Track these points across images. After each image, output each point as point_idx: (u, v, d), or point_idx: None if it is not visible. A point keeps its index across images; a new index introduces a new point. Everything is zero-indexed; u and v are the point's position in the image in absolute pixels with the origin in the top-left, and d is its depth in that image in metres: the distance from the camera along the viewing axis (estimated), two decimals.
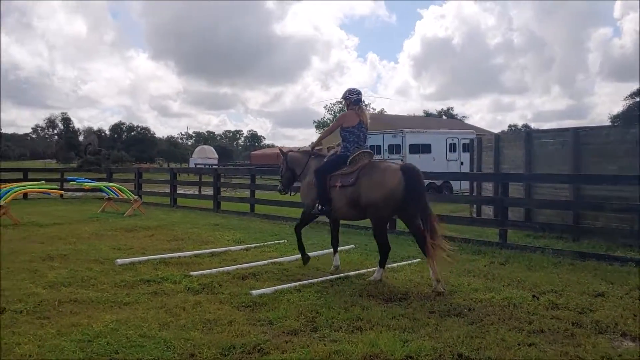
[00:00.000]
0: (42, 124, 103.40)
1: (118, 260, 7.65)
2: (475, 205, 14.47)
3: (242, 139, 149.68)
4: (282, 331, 4.86)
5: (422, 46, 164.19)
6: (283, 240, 9.75)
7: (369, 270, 7.27)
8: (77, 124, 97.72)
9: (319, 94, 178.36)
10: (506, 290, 6.27)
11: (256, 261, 7.84)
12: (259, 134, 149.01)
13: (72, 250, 8.50)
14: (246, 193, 19.96)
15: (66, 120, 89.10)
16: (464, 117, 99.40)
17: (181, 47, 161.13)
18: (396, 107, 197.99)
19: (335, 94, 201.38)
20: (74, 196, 19.80)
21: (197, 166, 42.75)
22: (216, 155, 58.52)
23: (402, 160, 20.16)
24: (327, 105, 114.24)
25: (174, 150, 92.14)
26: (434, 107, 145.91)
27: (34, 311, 5.31)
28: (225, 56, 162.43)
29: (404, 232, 10.67)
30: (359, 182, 6.74)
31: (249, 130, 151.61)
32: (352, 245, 9.18)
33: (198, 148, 61.64)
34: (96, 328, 4.74)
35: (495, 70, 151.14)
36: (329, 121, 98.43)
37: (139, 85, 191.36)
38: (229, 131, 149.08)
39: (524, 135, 11.54)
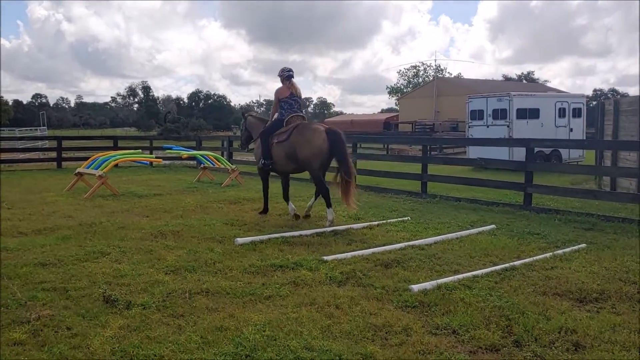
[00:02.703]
0: (122, 92, 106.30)
1: (238, 239, 6.81)
2: (606, 178, 12.80)
3: (312, 106, 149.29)
4: (477, 346, 3.77)
5: (499, 8, 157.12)
6: (406, 217, 8.65)
7: (534, 258, 6.05)
8: (155, 93, 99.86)
9: (389, 60, 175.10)
10: None
11: (390, 244, 6.78)
12: (328, 101, 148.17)
13: (183, 226, 7.76)
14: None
15: (146, 89, 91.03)
16: (545, 81, 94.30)
17: (252, 15, 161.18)
18: (470, 71, 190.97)
19: (408, 59, 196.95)
20: (163, 164, 19.44)
21: None
22: None
23: (508, 126, 18.49)
24: (400, 70, 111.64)
25: None
26: (510, 71, 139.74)
27: (164, 306, 4.48)
28: (294, 23, 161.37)
29: (543, 208, 9.36)
30: (291, 139, 8.03)
31: (318, 98, 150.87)
32: (493, 226, 7.94)
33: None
34: (247, 334, 3.82)
35: (576, 32, 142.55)
36: (402, 87, 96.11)
37: (211, 54, 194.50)
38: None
39: None
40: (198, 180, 14.15)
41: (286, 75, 8.68)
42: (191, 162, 19.18)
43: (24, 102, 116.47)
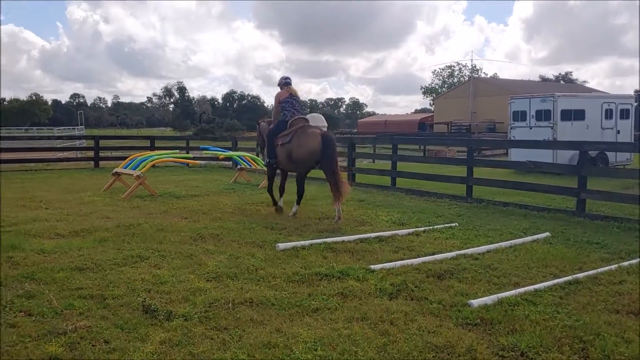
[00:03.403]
0: (158, 92, 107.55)
1: (279, 244, 6.53)
2: None
3: (344, 106, 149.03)
4: None
5: (535, 8, 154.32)
6: (454, 224, 8.23)
7: (598, 271, 5.60)
8: (190, 94, 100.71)
9: (422, 60, 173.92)
10: None
11: (440, 252, 6.40)
12: (360, 101, 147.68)
13: (222, 229, 7.52)
14: (380, 163, 18.68)
15: (182, 90, 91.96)
16: (584, 81, 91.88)
17: (285, 15, 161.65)
18: (505, 72, 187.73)
19: (442, 59, 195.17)
20: (199, 165, 19.35)
21: None
22: (326, 124, 57.33)
23: (552, 128, 17.82)
24: (435, 70, 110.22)
25: None
26: (546, 72, 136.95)
27: (207, 317, 4.21)
28: (328, 23, 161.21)
29: (598, 215, 8.84)
30: (292, 141, 8.78)
31: (351, 98, 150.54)
32: (547, 233, 7.48)
33: (308, 116, 60.74)
34: (298, 354, 3.52)
35: (615, 31, 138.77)
36: (436, 87, 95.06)
37: (245, 54, 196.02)
38: (331, 99, 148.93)
39: None
40: (234, 181, 13.97)
41: (284, 82, 9.55)
42: (227, 163, 19.06)
43: (63, 102, 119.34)
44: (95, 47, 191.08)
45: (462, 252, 6.38)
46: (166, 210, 9.27)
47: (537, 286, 5.03)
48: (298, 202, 8.95)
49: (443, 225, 8.07)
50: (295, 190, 9.04)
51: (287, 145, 8.85)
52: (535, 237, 7.27)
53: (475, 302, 4.54)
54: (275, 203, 9.51)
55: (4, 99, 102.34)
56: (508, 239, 7.16)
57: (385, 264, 5.76)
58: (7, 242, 6.49)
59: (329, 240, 6.87)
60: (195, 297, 4.66)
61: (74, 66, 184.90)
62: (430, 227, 7.92)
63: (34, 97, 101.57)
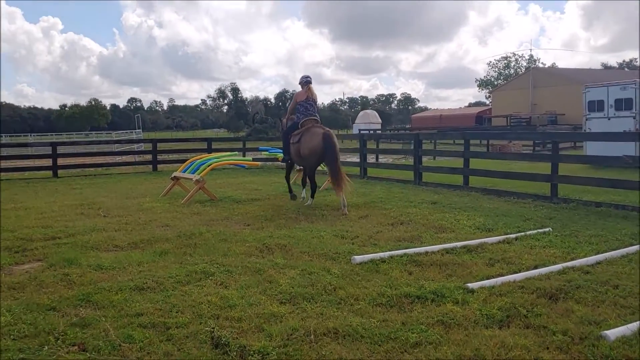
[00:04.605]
0: (212, 94, 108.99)
1: (355, 257, 5.81)
2: None
3: (395, 102, 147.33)
4: None
5: None
6: (547, 229, 7.31)
7: None
8: (243, 94, 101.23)
9: (475, 52, 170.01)
10: None
11: (543, 265, 5.53)
12: (412, 96, 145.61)
13: (289, 238, 6.88)
14: (444, 160, 17.76)
15: (235, 91, 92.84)
16: None
17: (335, 13, 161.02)
18: (562, 61, 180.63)
19: (495, 50, 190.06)
20: (258, 165, 18.86)
21: (361, 132, 41.11)
22: (379, 120, 56.43)
23: (634, 118, 16.41)
24: (490, 62, 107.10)
25: (335, 117, 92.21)
26: (607, 59, 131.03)
27: (286, 354, 3.53)
28: (377, 18, 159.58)
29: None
30: (300, 140, 9.61)
31: (402, 93, 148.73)
32: None
33: (361, 113, 59.99)
34: None
35: None
36: (492, 79, 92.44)
37: (295, 53, 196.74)
38: (382, 95, 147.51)
39: None
40: (293, 183, 13.33)
41: (304, 81, 10.05)
42: (282, 164, 18.53)
43: (121, 106, 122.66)
44: (150, 51, 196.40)
45: (569, 264, 5.49)
46: (227, 216, 8.73)
47: None
48: (312, 196, 9.81)
49: (536, 231, 7.16)
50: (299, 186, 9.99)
51: (297, 144, 9.68)
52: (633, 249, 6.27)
53: (611, 334, 3.68)
54: (290, 191, 10.55)
55: (65, 105, 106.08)
56: (616, 247, 6.22)
57: (484, 282, 4.96)
58: (64, 256, 6.05)
59: (409, 251, 6.12)
60: (270, 325, 4.00)
61: (131, 71, 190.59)
62: (522, 234, 7.03)
63: (93, 102, 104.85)
